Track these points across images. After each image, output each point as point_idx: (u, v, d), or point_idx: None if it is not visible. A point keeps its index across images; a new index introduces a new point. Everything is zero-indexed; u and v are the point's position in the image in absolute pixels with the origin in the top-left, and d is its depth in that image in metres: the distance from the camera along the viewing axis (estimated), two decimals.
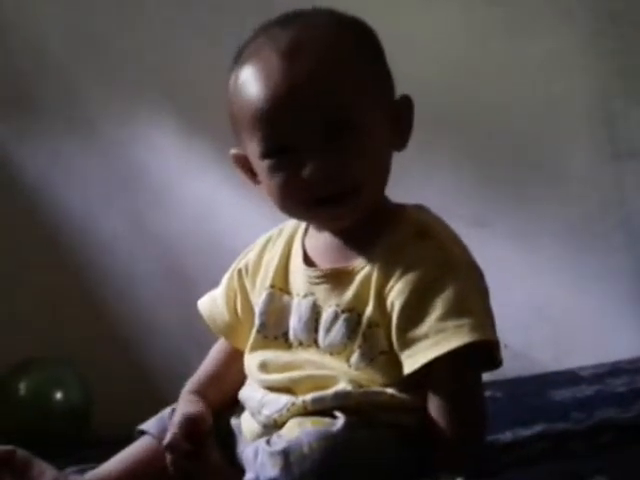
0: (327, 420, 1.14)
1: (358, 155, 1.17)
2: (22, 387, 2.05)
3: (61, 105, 2.30)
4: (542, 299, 2.22)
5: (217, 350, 1.39)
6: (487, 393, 1.73)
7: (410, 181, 2.16)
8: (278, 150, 1.18)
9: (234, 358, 1.33)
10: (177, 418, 1.25)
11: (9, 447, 1.28)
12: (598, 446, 1.27)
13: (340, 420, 1.13)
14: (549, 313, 2.23)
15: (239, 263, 1.36)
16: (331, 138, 1.16)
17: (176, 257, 2.25)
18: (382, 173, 1.22)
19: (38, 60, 2.31)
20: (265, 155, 1.20)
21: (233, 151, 1.27)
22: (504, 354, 2.20)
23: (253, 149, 1.21)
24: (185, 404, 1.30)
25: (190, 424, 1.22)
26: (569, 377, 1.80)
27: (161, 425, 1.31)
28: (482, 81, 2.22)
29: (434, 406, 1.16)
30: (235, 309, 1.35)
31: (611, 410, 1.47)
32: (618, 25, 2.20)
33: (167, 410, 1.34)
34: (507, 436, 1.37)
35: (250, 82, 1.19)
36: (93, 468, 1.34)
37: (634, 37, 2.20)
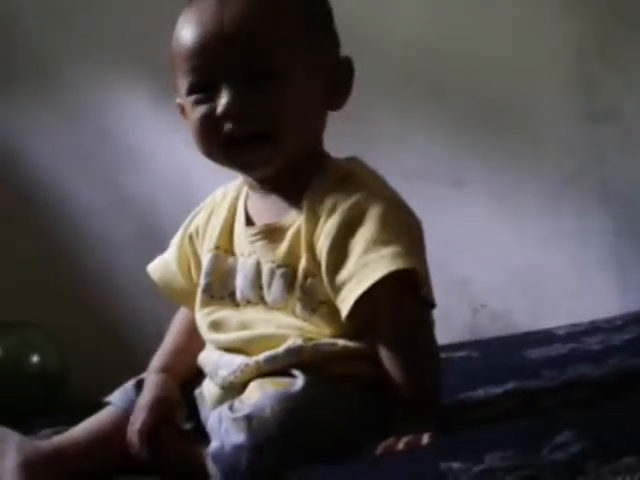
0: (286, 380, 1.14)
1: (275, 101, 1.18)
2: None
3: (33, 72, 2.31)
4: (520, 259, 2.23)
5: (178, 321, 1.38)
6: (462, 353, 1.75)
7: (384, 142, 2.16)
8: (201, 86, 1.20)
9: (195, 327, 1.32)
10: (146, 400, 1.27)
11: None
12: (568, 402, 1.27)
13: (299, 380, 1.13)
14: (527, 273, 2.23)
15: (189, 227, 1.35)
16: (251, 81, 1.18)
17: (152, 221, 2.24)
18: (301, 124, 1.22)
19: (9, 27, 2.30)
20: (189, 90, 1.21)
21: (178, 100, 1.27)
22: (482, 315, 2.23)
23: (183, 88, 1.23)
24: (153, 384, 1.30)
25: (159, 407, 1.25)
26: (545, 336, 1.80)
27: (125, 397, 1.32)
28: (457, 42, 2.21)
29: (381, 352, 1.15)
30: (189, 273, 1.34)
31: (584, 367, 1.47)
32: None
33: (131, 382, 1.34)
34: (479, 394, 1.38)
35: (184, 23, 1.22)
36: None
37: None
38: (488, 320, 2.20)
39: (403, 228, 1.17)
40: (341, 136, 1.97)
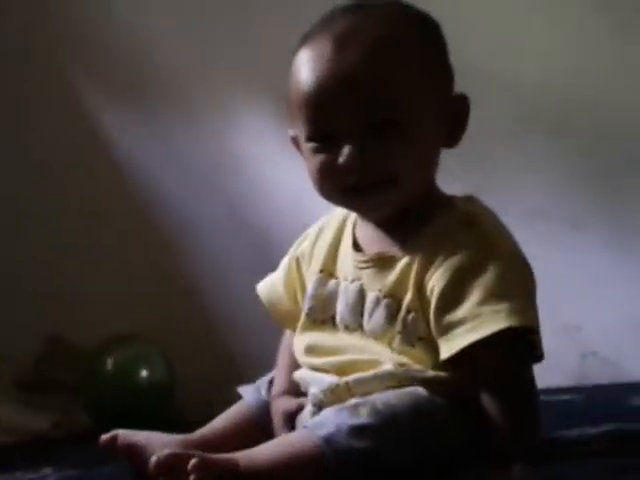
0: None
1: (397, 149, 1.18)
2: (109, 363, 2.11)
3: (163, 93, 2.38)
4: (636, 307, 2.19)
5: (289, 346, 1.38)
6: (566, 396, 1.73)
7: (503, 180, 2.16)
8: (320, 135, 1.20)
9: None
10: (282, 421, 1.30)
11: (112, 433, 1.27)
12: None
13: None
14: None
15: (296, 251, 1.38)
16: (372, 129, 1.17)
17: (269, 244, 2.28)
18: (423, 168, 1.22)
19: (146, 54, 2.39)
20: (309, 138, 1.22)
21: (291, 132, 1.28)
22: (592, 362, 2.19)
23: (301, 131, 1.23)
24: (282, 404, 1.32)
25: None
26: None
27: (259, 398, 1.36)
28: (584, 82, 2.19)
29: (483, 395, 1.15)
30: (295, 297, 1.36)
31: None
32: None
33: (265, 380, 1.38)
34: (573, 433, 1.36)
35: (302, 66, 1.21)
36: None
37: None
38: (597, 367, 2.16)
39: (521, 283, 1.18)
40: (464, 168, 2.00)
